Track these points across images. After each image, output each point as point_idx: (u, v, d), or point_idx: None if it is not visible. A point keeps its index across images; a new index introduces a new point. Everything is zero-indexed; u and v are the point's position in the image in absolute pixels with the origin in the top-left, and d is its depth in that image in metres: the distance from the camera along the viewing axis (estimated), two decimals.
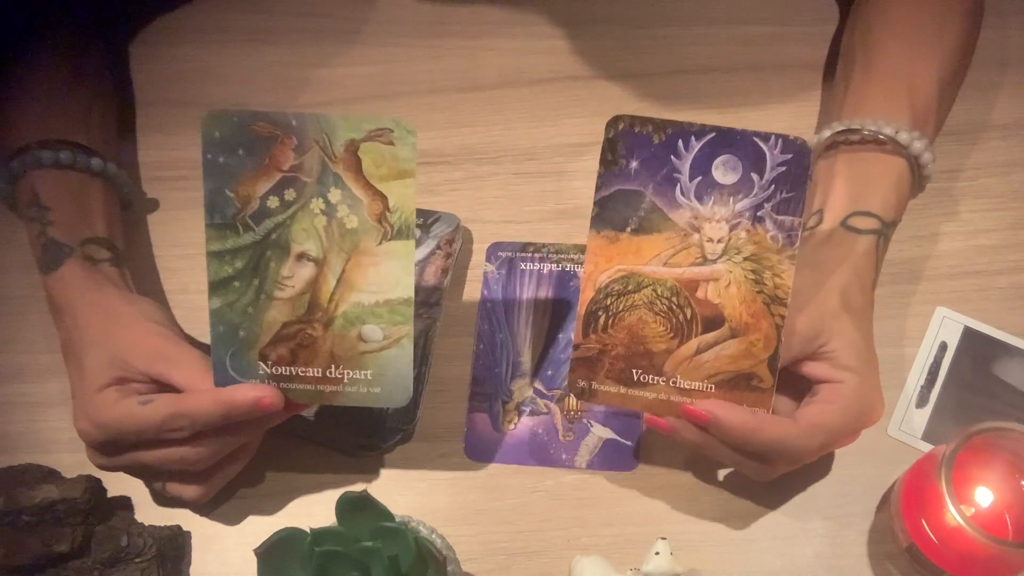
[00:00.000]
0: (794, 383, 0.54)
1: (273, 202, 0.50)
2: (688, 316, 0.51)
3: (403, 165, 0.49)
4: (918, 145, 0.57)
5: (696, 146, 0.50)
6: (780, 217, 0.50)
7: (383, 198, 0.50)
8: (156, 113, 0.72)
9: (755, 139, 0.49)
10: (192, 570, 0.56)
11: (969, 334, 0.61)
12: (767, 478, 0.53)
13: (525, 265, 0.65)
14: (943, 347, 0.60)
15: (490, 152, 0.69)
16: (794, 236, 0.50)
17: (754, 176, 0.50)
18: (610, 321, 0.52)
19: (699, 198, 0.50)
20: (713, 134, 0.49)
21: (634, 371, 0.52)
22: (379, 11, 0.75)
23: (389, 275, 0.50)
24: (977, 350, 0.60)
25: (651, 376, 0.51)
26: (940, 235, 0.64)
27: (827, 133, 0.59)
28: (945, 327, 0.61)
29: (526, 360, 0.62)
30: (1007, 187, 0.66)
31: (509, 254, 0.65)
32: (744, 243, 0.50)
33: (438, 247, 0.63)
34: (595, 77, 0.71)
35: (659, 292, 0.51)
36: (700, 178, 0.50)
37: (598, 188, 0.51)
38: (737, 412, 0.50)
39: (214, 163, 0.49)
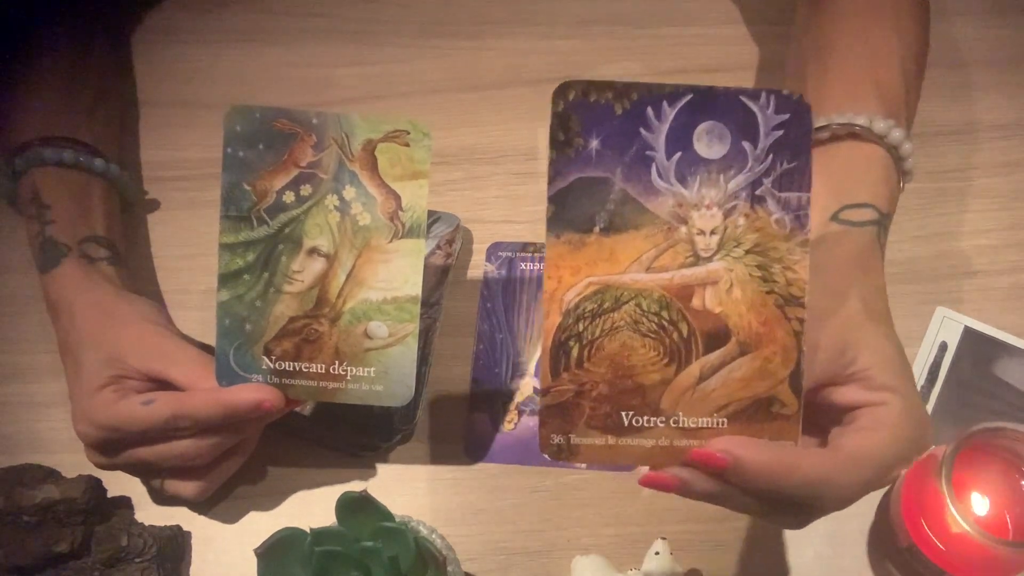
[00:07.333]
0: (813, 417, 0.43)
1: (289, 197, 0.50)
2: (684, 334, 0.41)
3: (417, 166, 0.50)
4: (896, 134, 0.52)
5: (670, 113, 0.40)
6: (784, 194, 0.40)
7: (396, 197, 0.50)
8: (157, 113, 0.72)
9: (742, 98, 0.40)
10: (192, 570, 0.56)
11: (969, 334, 0.61)
12: (802, 526, 0.44)
13: (525, 265, 0.65)
14: (943, 347, 0.60)
15: (490, 152, 0.69)
16: (804, 217, 0.40)
17: (746, 145, 0.40)
18: (586, 352, 0.41)
19: (681, 180, 0.40)
20: (690, 95, 0.40)
21: (623, 414, 0.41)
22: (379, 11, 0.75)
23: (399, 272, 0.51)
24: (977, 350, 0.60)
25: (646, 418, 0.41)
26: (940, 235, 0.64)
27: None
28: (945, 327, 0.61)
29: (526, 360, 0.62)
30: (1007, 187, 0.66)
31: (509, 254, 0.65)
32: (744, 232, 0.40)
33: (438, 247, 0.63)
34: (595, 77, 0.71)
35: (644, 307, 0.41)
36: (680, 154, 0.40)
37: (551, 179, 0.40)
38: (763, 449, 0.40)
39: (233, 157, 0.50)
